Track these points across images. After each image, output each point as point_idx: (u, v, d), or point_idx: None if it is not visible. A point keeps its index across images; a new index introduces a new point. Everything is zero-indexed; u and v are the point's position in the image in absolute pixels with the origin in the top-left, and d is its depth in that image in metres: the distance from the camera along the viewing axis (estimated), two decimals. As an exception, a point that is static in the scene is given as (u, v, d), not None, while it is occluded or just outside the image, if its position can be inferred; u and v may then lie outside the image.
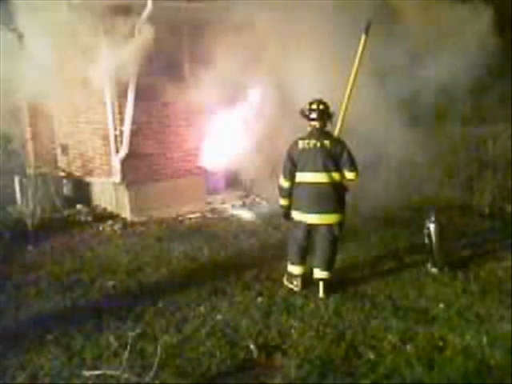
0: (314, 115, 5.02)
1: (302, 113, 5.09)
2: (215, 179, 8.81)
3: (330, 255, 5.08)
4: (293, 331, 4.34)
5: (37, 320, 4.69)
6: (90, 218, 7.87)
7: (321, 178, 4.94)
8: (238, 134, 7.69)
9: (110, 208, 8.30)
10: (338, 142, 5.06)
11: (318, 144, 4.96)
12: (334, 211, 4.99)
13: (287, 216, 5.29)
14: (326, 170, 4.93)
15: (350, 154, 4.97)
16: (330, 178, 4.94)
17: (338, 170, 4.96)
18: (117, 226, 7.50)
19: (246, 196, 8.91)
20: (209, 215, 8.17)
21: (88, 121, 8.62)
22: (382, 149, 7.31)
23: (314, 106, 5.03)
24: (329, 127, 5.16)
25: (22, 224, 7.32)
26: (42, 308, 4.97)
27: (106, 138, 8.11)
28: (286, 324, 4.47)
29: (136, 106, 7.48)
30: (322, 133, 5.04)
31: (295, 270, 5.19)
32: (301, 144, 5.03)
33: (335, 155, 4.95)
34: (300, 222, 5.11)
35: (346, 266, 5.66)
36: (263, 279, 5.43)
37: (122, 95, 7.53)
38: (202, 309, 4.80)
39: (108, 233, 7.34)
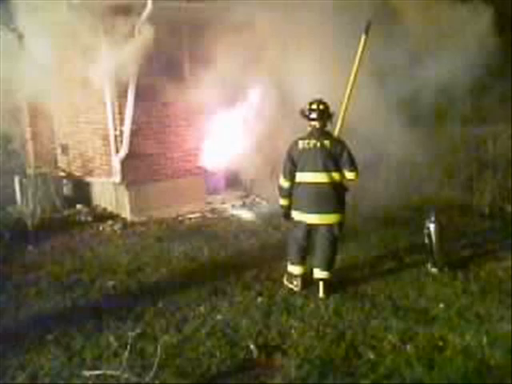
0: (313, 115, 5.02)
1: (302, 113, 5.09)
2: (215, 179, 8.80)
3: (329, 255, 5.08)
4: (293, 331, 4.34)
5: (37, 320, 4.69)
6: (90, 218, 7.87)
7: (321, 177, 4.94)
8: (237, 134, 7.69)
9: (110, 208, 8.30)
10: (338, 142, 5.06)
11: (318, 144, 4.96)
12: (334, 211, 4.99)
13: (287, 216, 5.29)
14: (326, 169, 4.93)
15: (350, 154, 4.97)
16: (330, 177, 4.94)
17: (338, 169, 4.96)
18: (117, 226, 7.50)
19: (246, 196, 8.92)
20: (209, 215, 8.17)
21: (88, 121, 8.62)
22: (382, 149, 7.31)
23: (314, 106, 5.03)
24: (329, 127, 5.16)
25: (22, 224, 7.31)
26: (41, 308, 4.96)
27: (106, 138, 8.11)
28: (286, 324, 4.47)
29: (136, 106, 7.48)
30: (322, 133, 5.04)
31: (295, 270, 5.19)
32: (301, 144, 5.03)
33: (335, 155, 4.95)
34: (300, 222, 5.11)
35: (346, 265, 5.66)
36: (263, 279, 5.43)
37: (122, 95, 7.54)
38: (202, 309, 4.80)
39: (108, 233, 7.34)
